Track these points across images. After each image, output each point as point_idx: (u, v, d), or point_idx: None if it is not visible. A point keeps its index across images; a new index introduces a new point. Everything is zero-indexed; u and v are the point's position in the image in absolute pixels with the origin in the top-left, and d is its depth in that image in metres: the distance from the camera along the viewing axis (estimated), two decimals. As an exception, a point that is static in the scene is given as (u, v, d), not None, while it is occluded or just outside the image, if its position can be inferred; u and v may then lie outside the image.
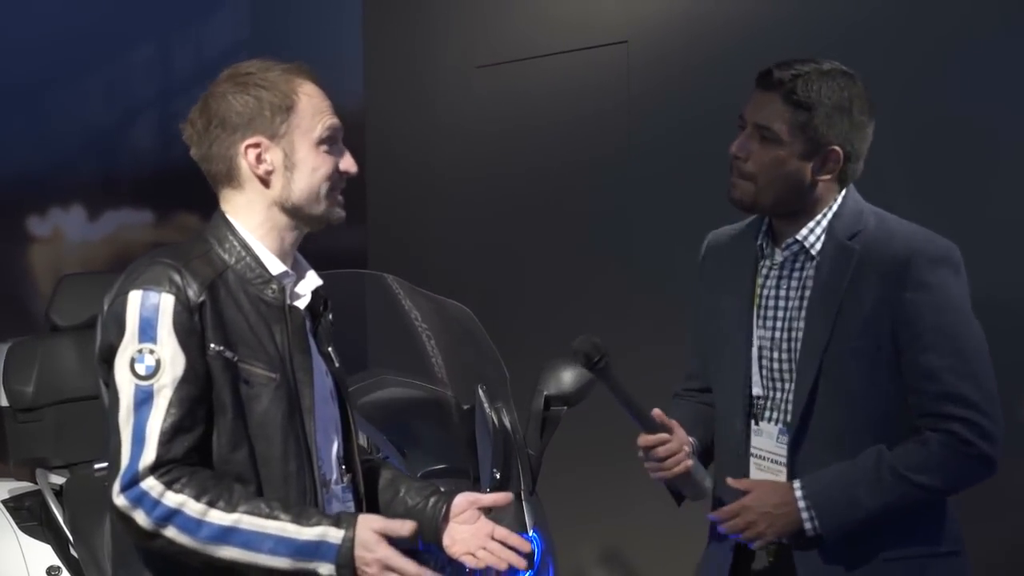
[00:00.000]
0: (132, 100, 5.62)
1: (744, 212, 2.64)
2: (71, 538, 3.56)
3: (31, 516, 3.69)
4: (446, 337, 3.61)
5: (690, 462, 2.55)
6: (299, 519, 2.14)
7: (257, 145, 2.26)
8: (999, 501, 3.51)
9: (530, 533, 3.24)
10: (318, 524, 2.14)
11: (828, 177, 2.53)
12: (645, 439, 2.54)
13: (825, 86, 2.48)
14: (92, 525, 3.50)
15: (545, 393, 3.15)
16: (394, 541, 2.18)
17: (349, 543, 2.13)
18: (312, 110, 2.28)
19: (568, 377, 3.12)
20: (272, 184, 2.28)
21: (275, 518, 2.13)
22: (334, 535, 2.14)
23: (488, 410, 3.39)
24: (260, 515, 2.13)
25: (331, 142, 2.30)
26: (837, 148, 2.50)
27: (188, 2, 5.78)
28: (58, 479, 3.79)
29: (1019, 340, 3.58)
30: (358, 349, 4.08)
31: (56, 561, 3.57)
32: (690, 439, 2.61)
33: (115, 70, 5.57)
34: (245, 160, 2.27)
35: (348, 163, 2.32)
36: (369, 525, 2.16)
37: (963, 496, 2.53)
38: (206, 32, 5.74)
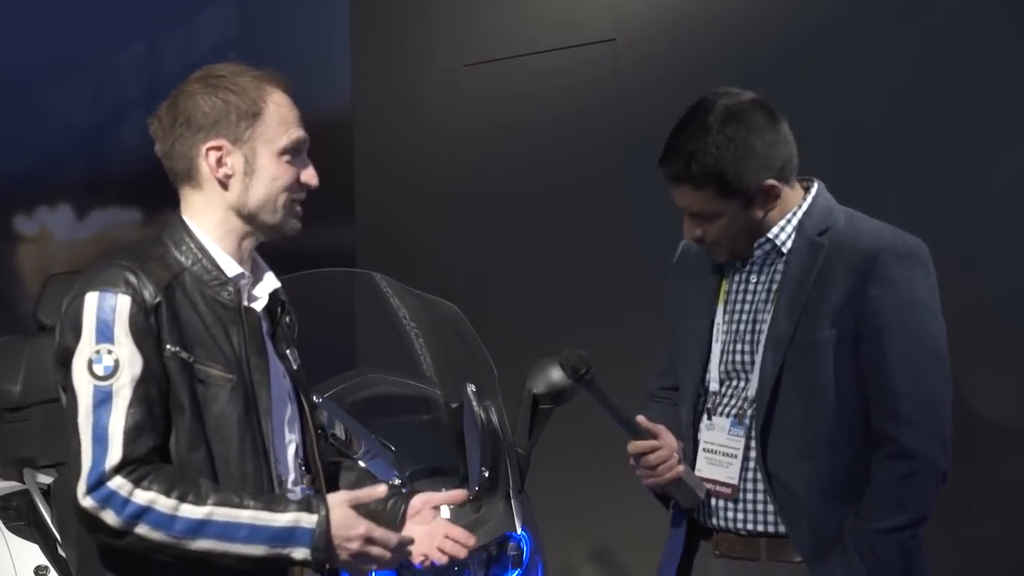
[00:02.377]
0: (120, 99, 5.61)
1: None
2: (59, 538, 3.55)
3: (19, 516, 3.67)
4: (435, 336, 3.61)
5: (681, 468, 2.57)
6: (270, 506, 2.17)
7: (219, 148, 2.27)
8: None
9: (518, 531, 3.25)
10: (290, 510, 2.17)
11: (776, 201, 2.54)
12: (636, 446, 2.56)
13: (717, 149, 2.46)
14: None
15: (534, 392, 3.15)
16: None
17: (323, 526, 2.16)
18: (279, 119, 2.28)
19: (557, 376, 3.12)
20: (230, 188, 2.28)
21: (246, 507, 2.15)
22: (307, 520, 2.16)
23: (477, 408, 3.39)
24: (232, 505, 2.15)
25: (294, 153, 2.30)
26: (767, 183, 2.51)
27: (176, 1, 5.77)
28: (46, 478, 3.77)
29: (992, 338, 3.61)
30: (347, 348, 4.08)
31: (44, 561, 3.56)
32: (679, 443, 2.62)
33: (103, 69, 5.56)
34: (205, 162, 2.27)
35: (309, 175, 2.32)
36: (341, 502, 2.20)
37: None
38: (194, 31, 5.73)
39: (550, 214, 4.78)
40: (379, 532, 2.21)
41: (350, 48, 5.52)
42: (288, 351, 2.40)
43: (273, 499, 2.19)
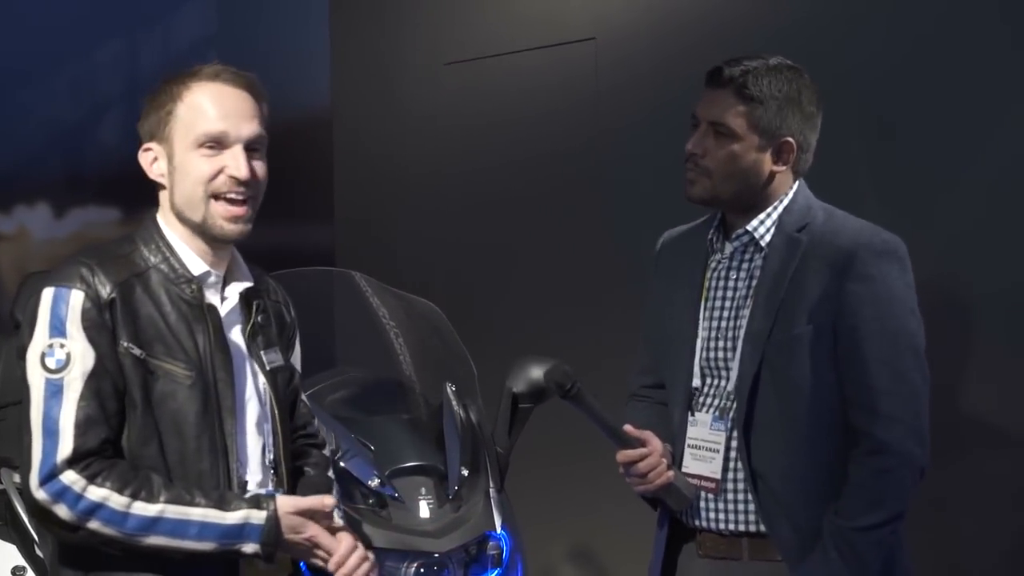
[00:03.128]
0: (98, 97, 5.58)
1: (704, 208, 2.68)
2: (36, 538, 3.53)
3: (-4, 516, 3.66)
4: (414, 335, 3.60)
5: (671, 473, 2.57)
6: (221, 504, 2.21)
7: (149, 149, 2.31)
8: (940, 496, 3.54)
9: (498, 531, 3.24)
10: (239, 508, 2.21)
11: (784, 168, 2.57)
12: (625, 455, 2.57)
13: (774, 80, 2.53)
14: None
15: (514, 390, 3.15)
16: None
17: (272, 522, 2.21)
18: (195, 112, 2.26)
19: (537, 374, 3.12)
20: (168, 188, 2.30)
21: (197, 505, 2.19)
22: (256, 517, 2.21)
23: (456, 407, 3.38)
24: (183, 503, 2.18)
25: (217, 147, 2.25)
26: (790, 139, 2.55)
27: (155, -2, 5.75)
28: (23, 478, 3.75)
29: (974, 335, 3.62)
30: (326, 347, 4.07)
31: (21, 561, 3.55)
32: (667, 447, 2.62)
33: (81, 66, 5.53)
34: (144, 164, 2.32)
35: (235, 168, 2.25)
36: (289, 509, 2.25)
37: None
38: (173, 29, 5.71)
39: (530, 212, 4.78)
40: (325, 539, 2.28)
41: (330, 46, 5.51)
42: (264, 351, 2.39)
43: (223, 497, 2.22)
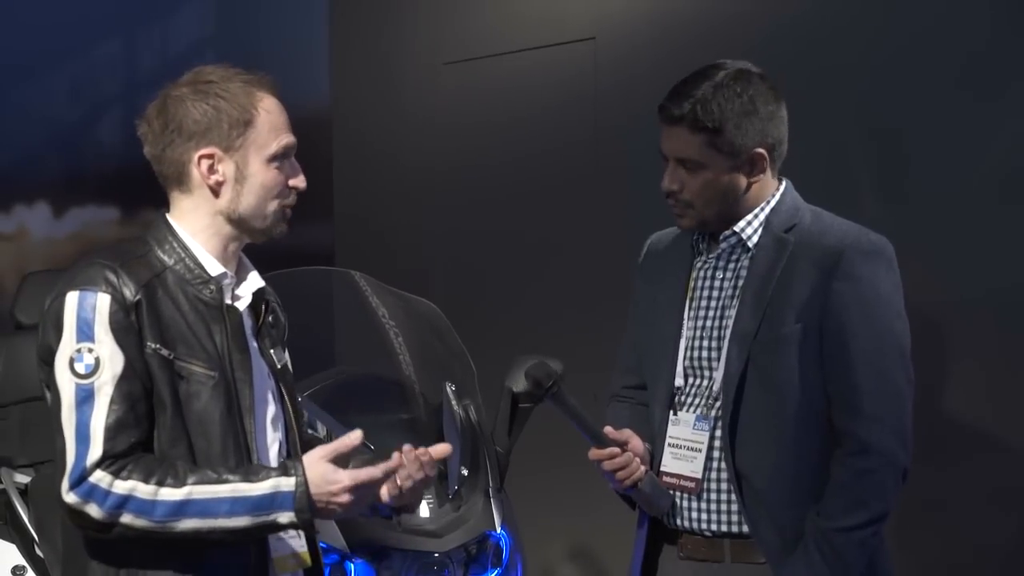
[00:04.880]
0: (97, 96, 5.58)
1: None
2: (36, 537, 3.53)
3: (-4, 515, 3.66)
4: (414, 334, 3.60)
5: (643, 476, 2.57)
6: (248, 477, 2.18)
7: (211, 156, 2.27)
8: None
9: (498, 530, 3.25)
10: (268, 477, 2.18)
11: (760, 176, 2.56)
12: (596, 453, 2.56)
13: (724, 100, 2.49)
14: (58, 524, 3.46)
15: (513, 390, 3.15)
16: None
17: (303, 487, 2.17)
18: (269, 126, 2.28)
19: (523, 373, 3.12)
20: (221, 195, 2.29)
21: (225, 481, 2.17)
22: (286, 484, 2.18)
23: (456, 407, 3.38)
24: (210, 482, 2.17)
25: (284, 158, 2.31)
26: (758, 149, 2.53)
27: (153, -2, 5.74)
28: (23, 478, 3.75)
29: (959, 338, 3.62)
30: (327, 346, 4.07)
31: (21, 561, 3.55)
32: (647, 446, 2.62)
33: (80, 66, 5.53)
34: (197, 169, 2.28)
35: (299, 180, 2.33)
36: (317, 459, 2.20)
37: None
38: (171, 28, 5.71)
39: (530, 211, 4.78)
40: (363, 474, 2.21)
41: (329, 45, 5.51)
42: (272, 350, 2.40)
43: (251, 469, 2.21)
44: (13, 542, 3.60)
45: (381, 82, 5.28)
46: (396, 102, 5.23)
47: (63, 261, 5.34)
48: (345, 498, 2.20)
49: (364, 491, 2.23)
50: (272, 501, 2.17)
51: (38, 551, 3.53)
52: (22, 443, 3.85)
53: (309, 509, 2.18)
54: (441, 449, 2.34)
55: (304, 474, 2.18)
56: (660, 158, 2.59)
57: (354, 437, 2.23)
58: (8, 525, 3.64)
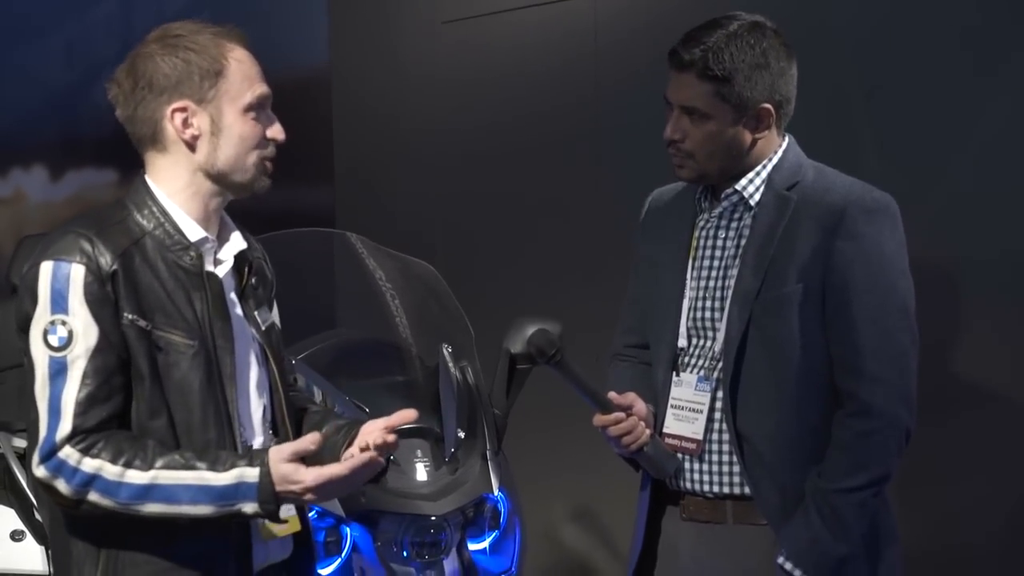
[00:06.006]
0: (93, 59, 5.55)
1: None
2: (35, 502, 3.54)
3: (-6, 480, 3.67)
4: (411, 296, 3.59)
5: (648, 439, 2.55)
6: (215, 465, 2.16)
7: (184, 109, 2.23)
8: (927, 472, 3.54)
9: (496, 493, 3.23)
10: (233, 467, 2.17)
11: (766, 132, 2.53)
12: (600, 419, 2.54)
13: (736, 51, 2.46)
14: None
15: (511, 351, 3.13)
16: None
17: (267, 478, 2.16)
18: (241, 76, 2.25)
19: (525, 338, 3.09)
20: (198, 149, 2.25)
21: (191, 468, 2.16)
22: (250, 474, 2.16)
23: (453, 369, 3.37)
24: (176, 467, 2.15)
25: (259, 109, 2.28)
26: (766, 104, 2.50)
27: (149, -42, 5.70)
28: (21, 443, 3.75)
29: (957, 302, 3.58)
30: (327, 310, 4.06)
31: (20, 525, 3.56)
32: (650, 408, 2.60)
33: (75, 28, 5.49)
34: (171, 124, 2.24)
35: (276, 131, 2.30)
36: (280, 458, 2.17)
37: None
38: (169, -13, 5.66)
39: (530, 171, 4.75)
40: (326, 472, 2.18)
41: (328, 5, 5.47)
42: (257, 311, 2.37)
43: (217, 458, 2.18)
44: (12, 507, 3.61)
45: (380, 41, 5.24)
46: (395, 61, 5.19)
47: (60, 224, 5.33)
48: (309, 496, 2.19)
49: (329, 487, 2.19)
50: (236, 491, 2.16)
51: (37, 515, 3.53)
52: (20, 407, 3.82)
53: (273, 500, 2.16)
54: (399, 418, 2.27)
55: (268, 465, 2.16)
56: (663, 114, 2.56)
57: (313, 438, 2.19)
58: (7, 490, 3.65)
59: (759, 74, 2.47)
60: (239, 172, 2.27)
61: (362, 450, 2.21)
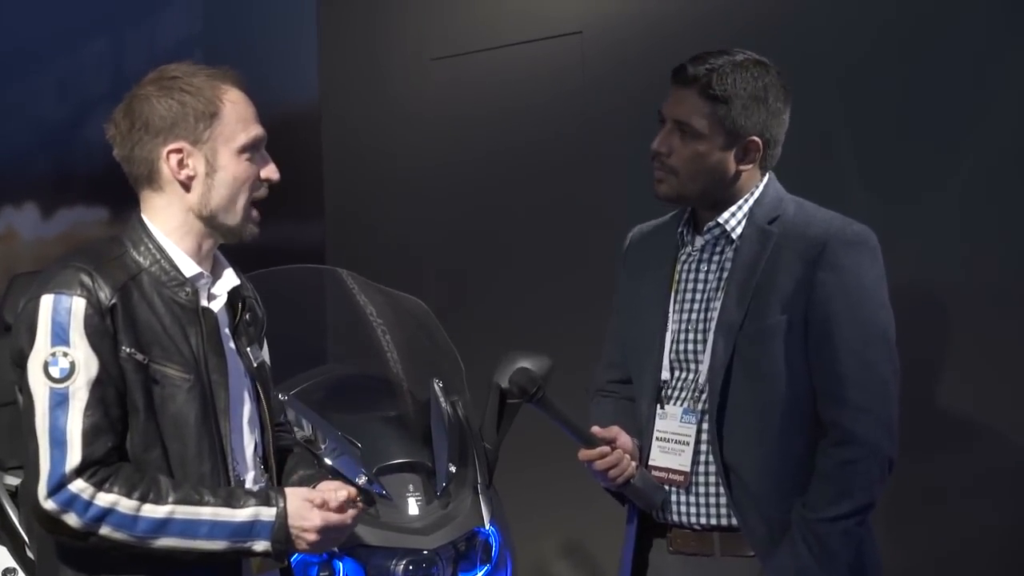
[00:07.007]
0: (85, 96, 5.57)
1: (671, 206, 2.69)
2: (27, 539, 3.52)
3: (-14, 518, 3.65)
4: (401, 331, 3.60)
5: (633, 469, 2.57)
6: (230, 502, 2.21)
7: (180, 150, 2.27)
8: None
9: (487, 527, 3.24)
10: (248, 505, 2.21)
11: (750, 166, 2.57)
12: (585, 454, 2.57)
13: (740, 78, 2.52)
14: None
15: (501, 386, 3.14)
16: None
17: (282, 519, 2.21)
18: (236, 117, 2.29)
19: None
20: (192, 189, 2.29)
21: (207, 504, 2.19)
22: (266, 513, 2.21)
23: (444, 403, 3.38)
24: (192, 503, 2.18)
25: (253, 150, 2.31)
26: (756, 138, 2.54)
27: (140, -4, 5.73)
28: (13, 480, 3.75)
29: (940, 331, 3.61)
30: (318, 345, 4.06)
31: (12, 563, 3.55)
32: (635, 442, 2.62)
33: (68, 65, 5.51)
34: (167, 165, 2.27)
35: (270, 171, 2.33)
36: (297, 495, 2.25)
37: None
38: (159, 26, 5.70)
39: (519, 206, 4.77)
40: (332, 518, 2.26)
41: (318, 42, 5.50)
42: (249, 348, 2.40)
43: (232, 494, 2.22)
44: (4, 544, 3.59)
45: (369, 78, 5.27)
46: (384, 98, 5.22)
47: (53, 261, 5.33)
48: (313, 536, 2.24)
49: (333, 533, 2.27)
50: (251, 529, 2.20)
51: (29, 553, 3.52)
52: (12, 445, 3.83)
53: (285, 540, 2.22)
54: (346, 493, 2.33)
55: (285, 506, 2.22)
56: (648, 147, 2.59)
57: (341, 495, 2.27)
58: (-1, 527, 3.64)
59: (756, 106, 2.52)
60: (230, 215, 2.30)
61: (318, 506, 2.26)
